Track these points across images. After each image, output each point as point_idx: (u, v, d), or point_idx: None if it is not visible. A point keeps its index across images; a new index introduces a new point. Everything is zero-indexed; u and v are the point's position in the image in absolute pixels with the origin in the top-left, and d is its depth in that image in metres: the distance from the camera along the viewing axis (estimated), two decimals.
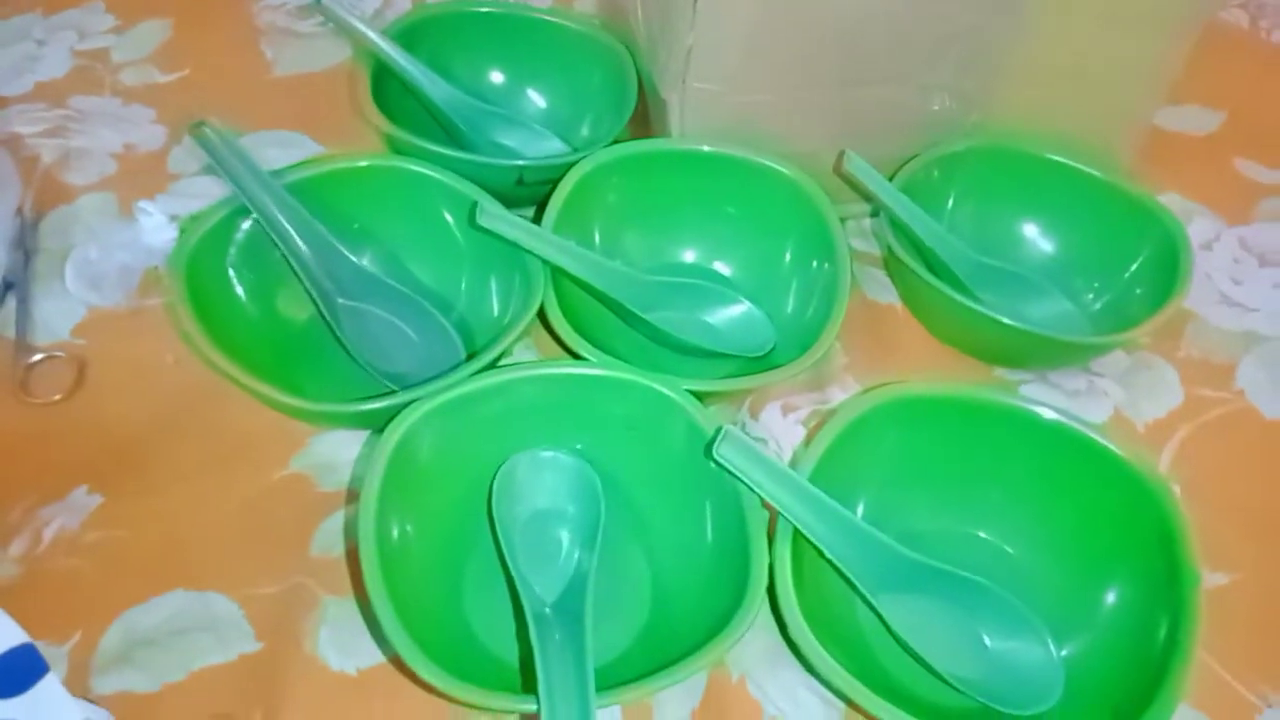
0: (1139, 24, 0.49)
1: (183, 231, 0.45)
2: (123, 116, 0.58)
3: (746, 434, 0.42)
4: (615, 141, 0.51)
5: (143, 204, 0.52)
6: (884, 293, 0.54)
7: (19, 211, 0.52)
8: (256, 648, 0.39)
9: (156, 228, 0.51)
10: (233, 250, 0.46)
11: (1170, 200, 0.57)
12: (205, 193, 0.54)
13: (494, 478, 0.42)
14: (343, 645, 0.39)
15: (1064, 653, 0.39)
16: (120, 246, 0.50)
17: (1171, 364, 0.51)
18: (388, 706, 0.38)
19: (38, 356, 0.47)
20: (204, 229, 0.45)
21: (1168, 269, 0.49)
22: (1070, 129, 0.52)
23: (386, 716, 0.38)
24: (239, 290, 0.46)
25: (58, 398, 0.45)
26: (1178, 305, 0.47)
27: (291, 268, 0.46)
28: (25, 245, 0.51)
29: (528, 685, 0.37)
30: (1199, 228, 0.57)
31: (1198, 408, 0.49)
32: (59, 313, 0.49)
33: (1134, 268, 0.51)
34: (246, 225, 0.46)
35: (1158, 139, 0.60)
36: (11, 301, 0.49)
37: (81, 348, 0.47)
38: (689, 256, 0.52)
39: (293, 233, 0.46)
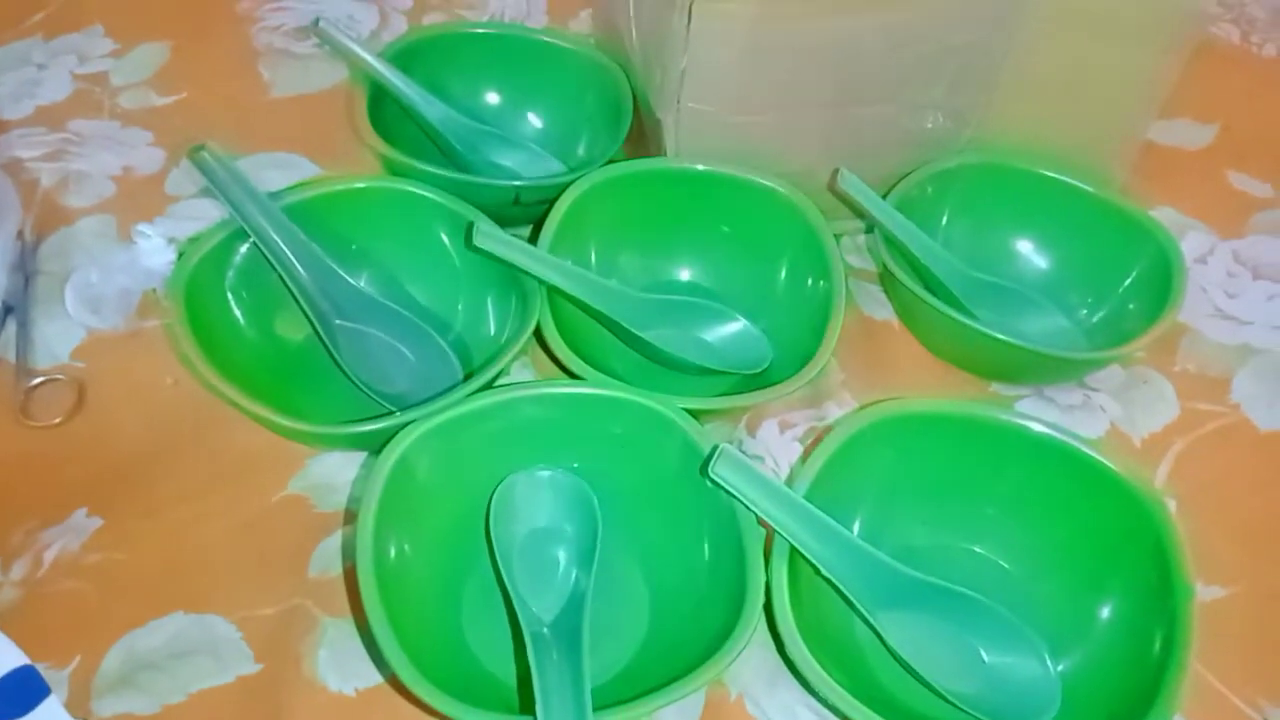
0: (1130, 38, 0.50)
1: (181, 254, 0.45)
2: (121, 139, 0.59)
3: (743, 451, 0.42)
4: (611, 161, 0.51)
5: (141, 227, 0.52)
6: (879, 309, 0.54)
7: (19, 235, 0.52)
8: (255, 669, 0.39)
9: (155, 250, 0.51)
10: (231, 273, 0.46)
11: (1164, 214, 0.57)
12: (203, 215, 0.54)
13: (491, 497, 0.42)
14: (341, 666, 0.39)
15: (1061, 667, 0.39)
16: (119, 269, 0.51)
17: (1167, 378, 0.51)
18: None
19: (38, 380, 0.47)
20: (202, 252, 0.45)
21: (1162, 283, 0.49)
22: (1064, 144, 0.52)
23: None
24: (237, 312, 0.46)
25: (58, 420, 0.46)
26: (1172, 319, 0.47)
27: (289, 290, 0.46)
28: (25, 268, 0.51)
29: (526, 705, 0.37)
30: (1193, 242, 0.58)
31: (1193, 421, 0.49)
32: (59, 335, 0.49)
33: (1128, 282, 0.51)
34: (244, 248, 0.46)
35: (1151, 153, 0.61)
36: (12, 325, 0.49)
37: (81, 370, 0.48)
38: (684, 275, 0.53)
39: (290, 255, 0.46)
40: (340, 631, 0.40)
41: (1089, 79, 0.51)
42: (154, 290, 0.50)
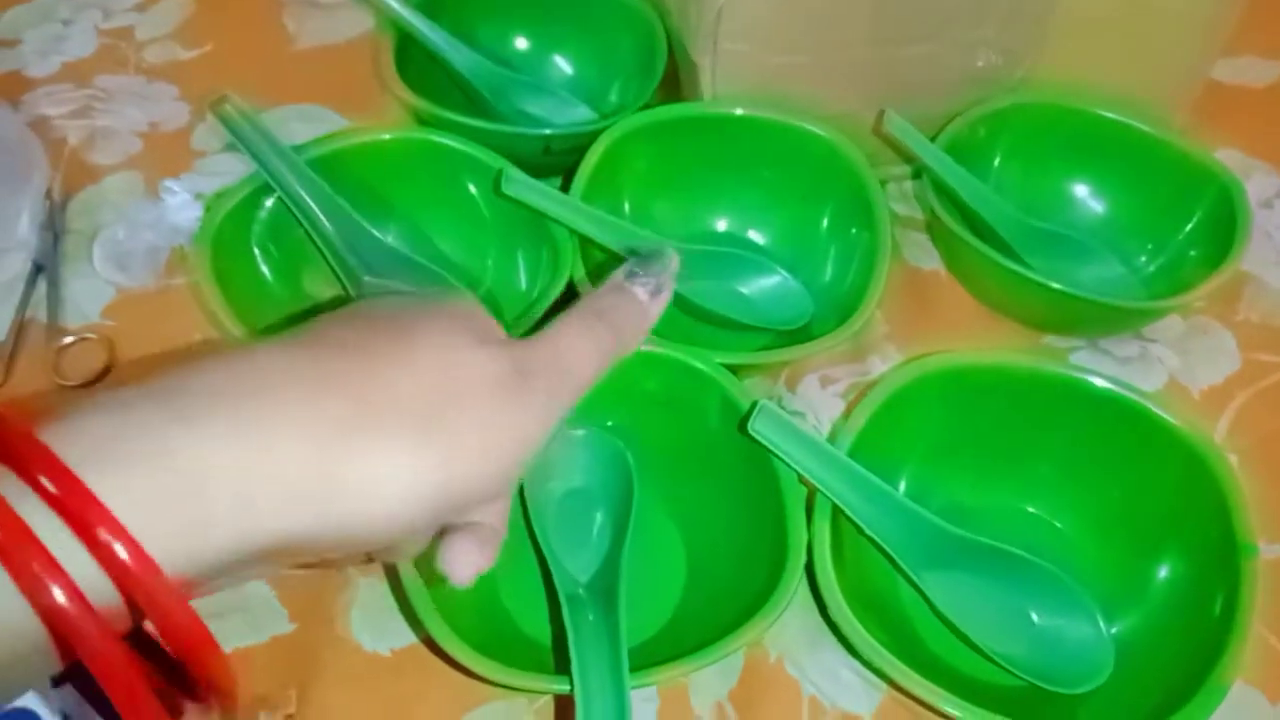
0: None
1: (207, 210, 0.44)
2: (147, 95, 0.58)
3: (783, 408, 0.41)
4: (644, 107, 0.49)
5: (168, 183, 0.51)
6: (926, 258, 0.52)
7: (48, 194, 0.52)
8: (289, 629, 0.39)
9: (182, 206, 0.50)
10: (257, 228, 0.45)
11: (1228, 156, 0.55)
12: (229, 170, 0.53)
13: None
14: (375, 626, 0.39)
15: (1114, 629, 0.38)
16: (147, 226, 0.50)
17: (1228, 329, 0.49)
18: (420, 687, 0.38)
19: (69, 339, 0.47)
20: (228, 207, 0.44)
21: (1225, 229, 0.46)
22: (1121, 83, 0.49)
23: (419, 697, 0.37)
24: (264, 268, 0.46)
25: (90, 380, 0.45)
26: (1235, 267, 0.45)
27: (316, 245, 0.46)
28: (54, 227, 0.51)
29: (561, 665, 0.36)
30: (1258, 184, 0.55)
31: (1256, 374, 0.47)
32: (88, 294, 0.49)
33: (1189, 228, 0.49)
34: (270, 202, 0.45)
35: (1213, 92, 0.57)
36: (42, 284, 0.49)
37: (111, 329, 0.47)
38: (722, 225, 0.51)
39: (316, 209, 0.45)
40: (374, 591, 0.40)
41: (1149, 12, 0.49)
42: (181, 247, 0.50)
